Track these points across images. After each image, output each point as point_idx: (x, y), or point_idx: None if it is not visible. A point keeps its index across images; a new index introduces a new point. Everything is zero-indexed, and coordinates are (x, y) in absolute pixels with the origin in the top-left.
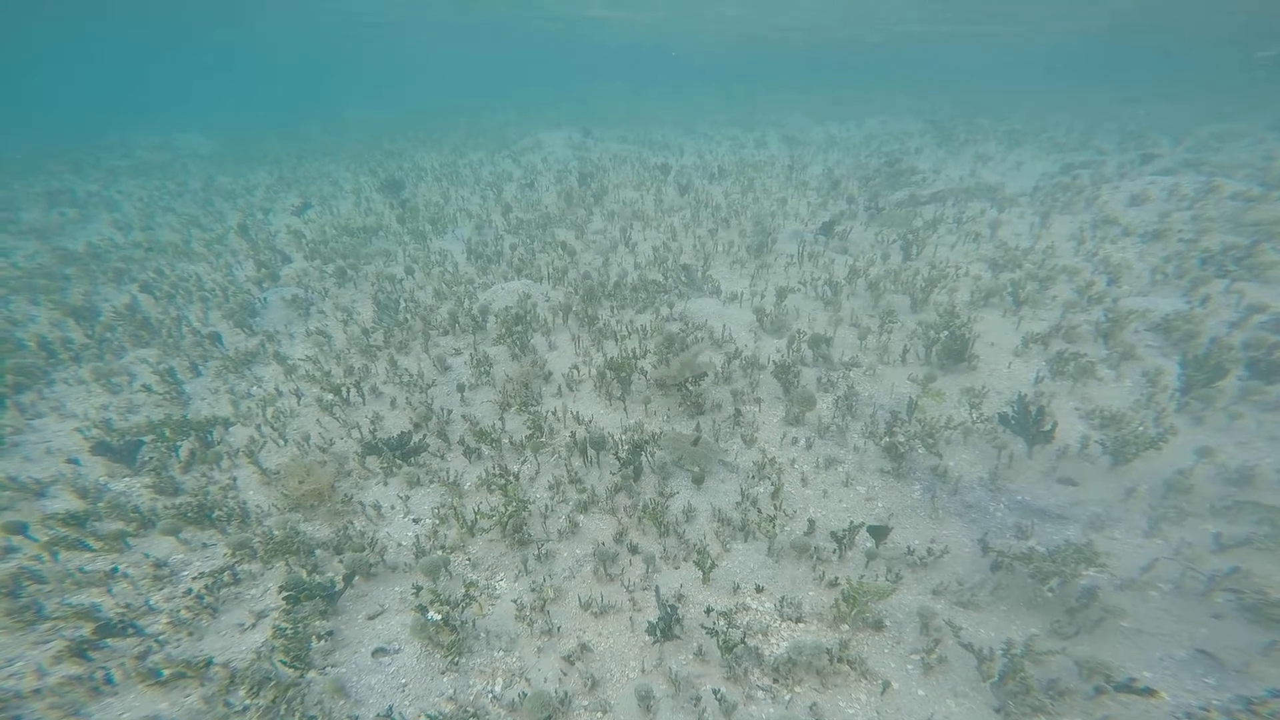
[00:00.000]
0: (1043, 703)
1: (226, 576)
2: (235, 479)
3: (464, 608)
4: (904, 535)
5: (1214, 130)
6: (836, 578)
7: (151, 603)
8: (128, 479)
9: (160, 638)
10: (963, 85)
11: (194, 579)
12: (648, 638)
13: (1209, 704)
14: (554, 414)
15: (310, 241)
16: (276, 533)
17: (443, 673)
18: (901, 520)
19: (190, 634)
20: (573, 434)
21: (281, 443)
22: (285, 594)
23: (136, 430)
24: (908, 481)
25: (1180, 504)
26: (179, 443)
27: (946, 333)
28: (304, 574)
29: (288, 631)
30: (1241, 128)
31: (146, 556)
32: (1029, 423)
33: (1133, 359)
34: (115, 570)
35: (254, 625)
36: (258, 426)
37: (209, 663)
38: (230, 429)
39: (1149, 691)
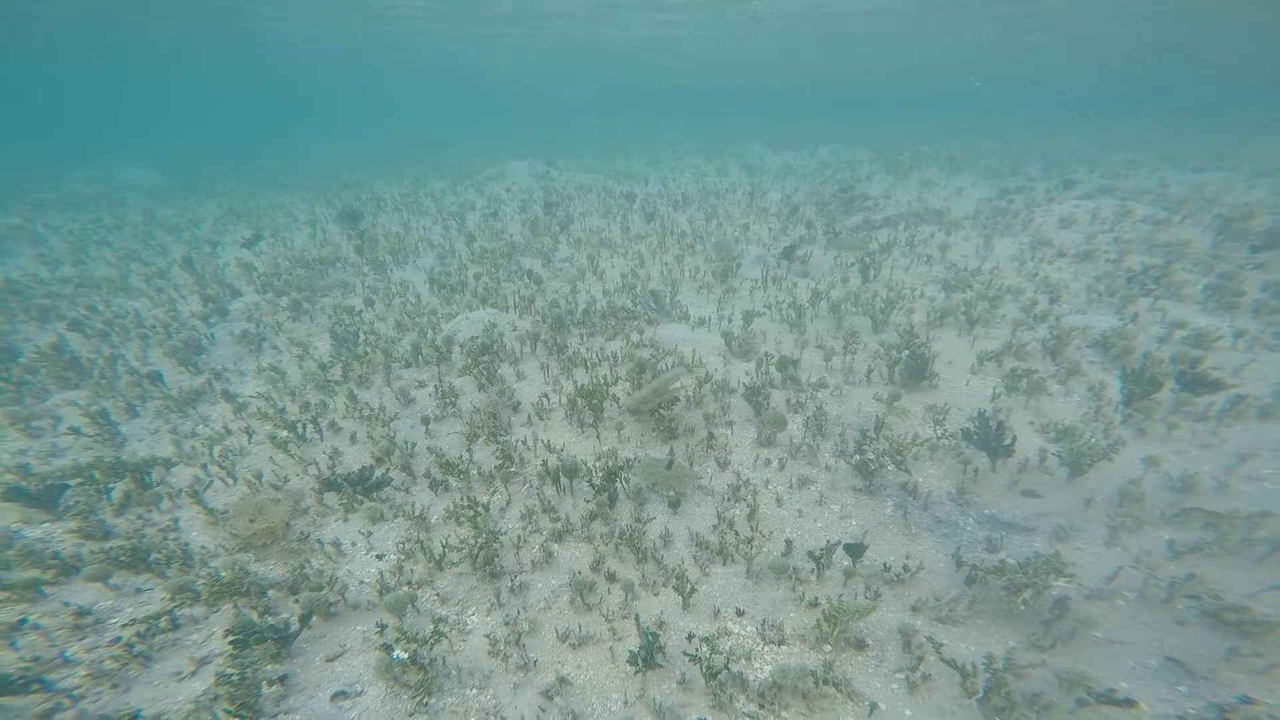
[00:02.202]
0: (1028, 717)
1: (164, 622)
2: (177, 520)
3: (433, 644)
4: (879, 552)
5: (1122, 158)
6: (816, 598)
7: (68, 654)
8: (47, 524)
9: (75, 692)
10: (905, 116)
11: (123, 626)
12: (629, 668)
13: (1185, 713)
14: (524, 443)
15: (262, 274)
16: (224, 574)
17: (410, 715)
18: (876, 537)
19: (114, 686)
20: (544, 463)
21: (230, 482)
22: (232, 638)
23: (60, 474)
24: (879, 498)
25: (1134, 512)
26: (111, 485)
27: (908, 352)
28: (254, 616)
29: (233, 678)
30: (1141, 157)
31: (66, 605)
32: (990, 438)
33: (1078, 374)
34: (24, 621)
35: (194, 673)
36: (203, 466)
37: (134, 717)
38: (172, 469)
39: (1129, 702)
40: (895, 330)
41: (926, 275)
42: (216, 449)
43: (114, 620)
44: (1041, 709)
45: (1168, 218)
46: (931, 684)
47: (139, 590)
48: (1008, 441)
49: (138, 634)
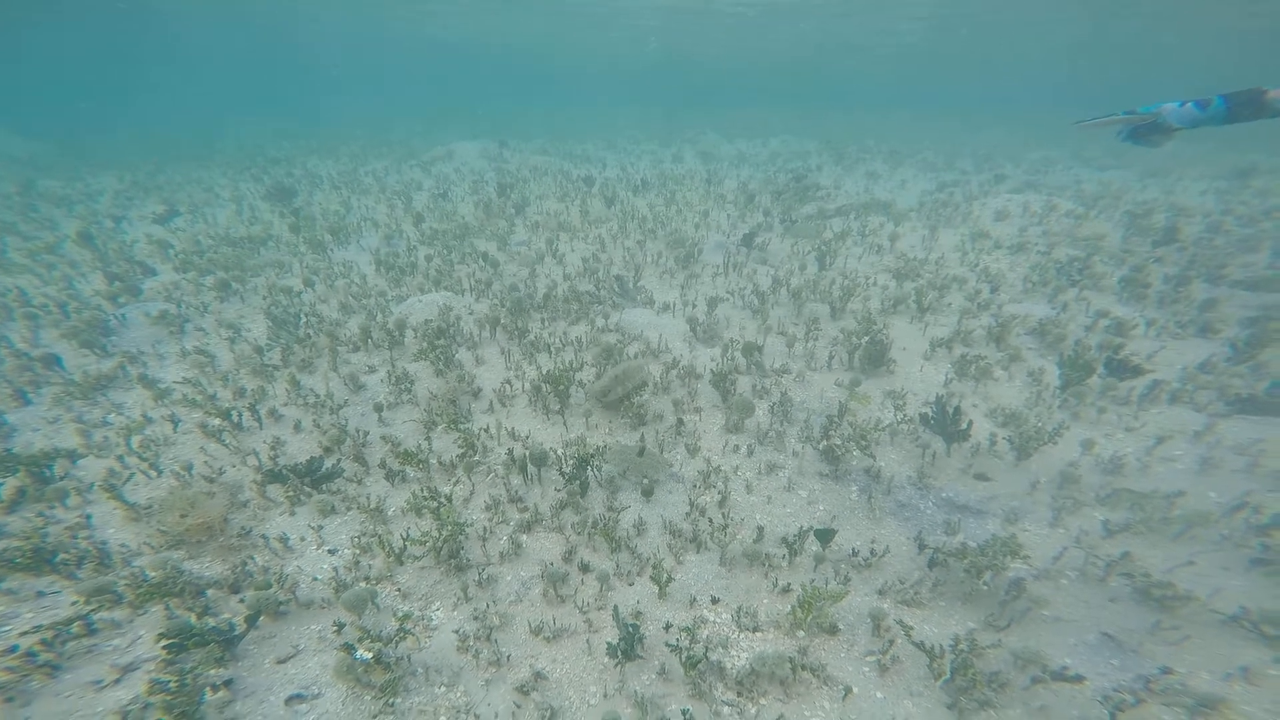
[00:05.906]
0: (988, 696)
1: (77, 627)
2: (89, 516)
3: (398, 642)
4: (846, 537)
5: (1039, 155)
6: (789, 584)
7: None
8: None
9: None
10: (845, 107)
11: (22, 634)
12: (608, 660)
13: (1118, 684)
14: (487, 431)
15: (181, 252)
16: (151, 574)
17: (375, 716)
18: (843, 522)
19: (9, 700)
20: (509, 451)
21: (153, 474)
22: (166, 642)
23: None
24: (845, 483)
25: (1074, 494)
26: (0, 480)
27: (868, 339)
28: (192, 618)
29: (170, 685)
30: (1055, 155)
31: None
32: (947, 423)
33: (1019, 360)
34: None
35: (118, 681)
36: (119, 458)
37: None
38: (78, 462)
39: (1078, 678)
40: (853, 317)
41: (878, 264)
42: (135, 439)
43: (8, 629)
44: (999, 686)
45: (1085, 212)
46: (901, 666)
47: (41, 594)
48: (964, 426)
49: (42, 641)
